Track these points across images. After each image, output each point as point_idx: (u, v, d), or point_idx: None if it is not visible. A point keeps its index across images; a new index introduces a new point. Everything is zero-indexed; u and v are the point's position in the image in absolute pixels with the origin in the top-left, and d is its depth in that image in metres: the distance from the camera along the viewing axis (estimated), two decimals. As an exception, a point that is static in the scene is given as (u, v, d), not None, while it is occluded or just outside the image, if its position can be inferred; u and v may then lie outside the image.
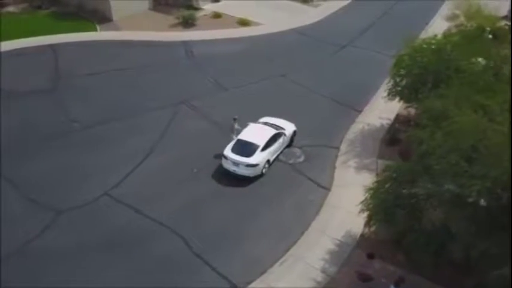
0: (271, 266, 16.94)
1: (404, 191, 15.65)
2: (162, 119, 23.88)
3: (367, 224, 16.15)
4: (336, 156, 22.49)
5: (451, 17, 32.68)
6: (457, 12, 32.60)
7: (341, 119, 25.10)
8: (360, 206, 16.30)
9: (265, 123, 22.31)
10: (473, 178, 11.73)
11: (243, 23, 34.18)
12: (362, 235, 17.98)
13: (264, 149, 20.67)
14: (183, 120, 24.11)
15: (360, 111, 25.81)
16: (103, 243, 17.30)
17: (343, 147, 23.15)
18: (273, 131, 21.52)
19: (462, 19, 31.44)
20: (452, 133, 12.89)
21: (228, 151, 20.60)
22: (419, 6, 38.05)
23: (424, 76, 20.90)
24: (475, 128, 12.44)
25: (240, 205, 19.47)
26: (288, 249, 17.58)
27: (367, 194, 16.26)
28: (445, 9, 36.20)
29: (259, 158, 20.42)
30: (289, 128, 22.64)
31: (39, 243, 17.16)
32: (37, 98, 25.06)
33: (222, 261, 16.90)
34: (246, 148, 20.48)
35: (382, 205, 15.54)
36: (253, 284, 16.24)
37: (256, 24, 34.57)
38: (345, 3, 39.55)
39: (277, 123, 22.56)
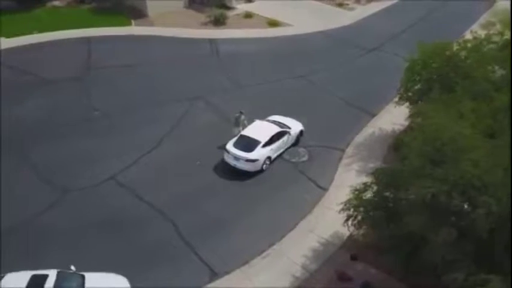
0: (253, 258, 17.39)
1: (387, 193, 15.67)
2: (177, 112, 24.84)
3: (345, 222, 16.16)
4: (340, 159, 22.56)
5: (486, 25, 31.51)
6: (493, 20, 31.45)
7: (353, 122, 25.08)
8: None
9: (272, 121, 22.73)
10: (435, 181, 11.65)
11: (273, 23, 34.71)
12: (350, 236, 18.02)
13: (265, 145, 21.12)
14: (196, 114, 24.98)
15: (374, 116, 25.68)
16: (100, 223, 18.38)
17: (350, 150, 23.16)
18: (276, 129, 21.92)
19: (498, 27, 30.34)
20: (422, 136, 12.83)
21: (230, 145, 21.23)
22: (460, 13, 37.07)
23: (432, 81, 20.59)
24: (442, 131, 12.32)
25: (236, 198, 20.04)
26: (273, 244, 17.97)
27: (351, 195, 16.34)
28: (486, 17, 35.03)
29: (259, 153, 20.89)
30: (295, 127, 22.96)
31: (43, 218, 18.51)
32: (66, 85, 26.74)
33: (207, 249, 17.55)
34: (247, 143, 21.03)
35: (362, 206, 15.60)
36: (232, 274, 16.78)
37: (286, 25, 34.99)
38: (382, 7, 39.23)
39: (284, 122, 22.93)
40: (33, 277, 14.61)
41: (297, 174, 21.54)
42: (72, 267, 15.47)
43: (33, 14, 33.59)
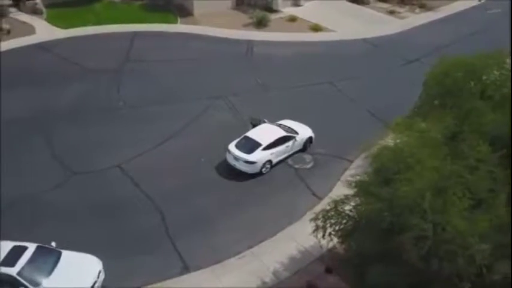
0: (228, 258, 17.55)
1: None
2: (196, 109, 25.50)
3: (313, 233, 15.75)
4: (346, 169, 21.97)
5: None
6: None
7: (370, 133, 24.06)
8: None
9: (280, 125, 22.67)
10: (371, 198, 11.14)
11: (315, 28, 34.41)
12: (330, 249, 17.57)
13: (266, 148, 21.13)
14: (214, 113, 25.49)
15: (395, 129, 24.62)
16: (96, 206, 19.52)
17: (358, 161, 22.40)
18: (281, 133, 21.85)
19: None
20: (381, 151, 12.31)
21: (232, 145, 21.50)
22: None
23: (447, 97, 19.39)
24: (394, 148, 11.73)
25: (229, 198, 20.28)
26: (251, 247, 18.00)
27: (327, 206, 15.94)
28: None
29: (258, 156, 20.95)
30: (304, 133, 22.70)
31: (48, 195, 19.97)
32: (104, 76, 28.44)
33: (185, 242, 17.98)
34: (248, 145, 21.20)
35: (333, 218, 15.20)
36: (203, 270, 17.07)
37: (329, 30, 34.54)
38: (437, 17, 37.46)
39: (293, 127, 22.77)
40: (14, 247, 15.92)
41: (296, 180, 21.34)
42: (53, 243, 16.63)
43: (91, 7, 36.02)
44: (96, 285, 15.87)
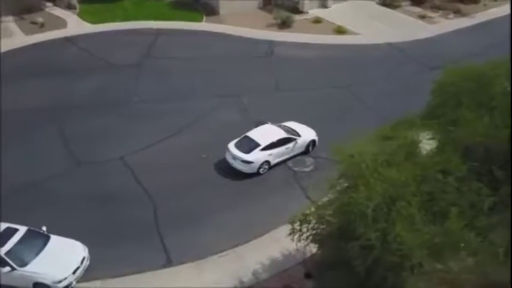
0: (212, 255, 17.63)
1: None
2: (205, 107, 25.74)
3: (289, 236, 15.49)
4: (346, 175, 21.48)
5: None
6: None
7: (378, 139, 23.59)
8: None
9: (282, 126, 22.50)
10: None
11: (339, 31, 33.87)
12: (313, 254, 17.24)
13: (264, 149, 21.05)
14: (223, 111, 25.60)
15: (405, 137, 23.85)
16: (93, 195, 20.10)
17: (360, 167, 21.92)
18: (282, 135, 21.69)
19: None
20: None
21: (231, 144, 21.55)
22: None
23: (446, 107, 18.58)
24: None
25: (223, 196, 20.35)
26: (235, 246, 17.99)
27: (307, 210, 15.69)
28: None
29: (256, 156, 20.90)
30: (306, 136, 22.45)
31: (51, 183, 20.76)
32: (123, 70, 29.26)
33: (172, 237, 18.24)
34: (247, 145, 21.19)
35: (309, 222, 14.94)
36: (185, 265, 17.25)
37: (353, 33, 33.91)
38: (470, 23, 36.02)
39: (296, 129, 22.55)
40: (6, 229, 16.73)
41: (293, 183, 21.13)
42: (43, 228, 17.32)
43: (121, 4, 37.12)
44: (78, 270, 16.38)
